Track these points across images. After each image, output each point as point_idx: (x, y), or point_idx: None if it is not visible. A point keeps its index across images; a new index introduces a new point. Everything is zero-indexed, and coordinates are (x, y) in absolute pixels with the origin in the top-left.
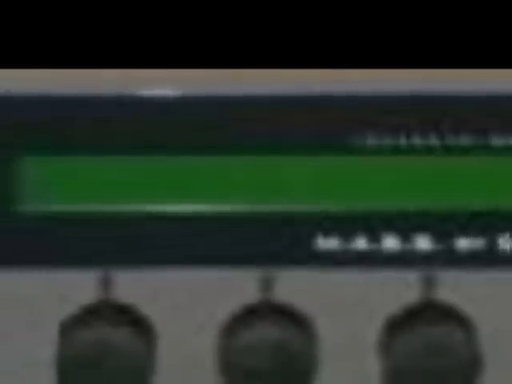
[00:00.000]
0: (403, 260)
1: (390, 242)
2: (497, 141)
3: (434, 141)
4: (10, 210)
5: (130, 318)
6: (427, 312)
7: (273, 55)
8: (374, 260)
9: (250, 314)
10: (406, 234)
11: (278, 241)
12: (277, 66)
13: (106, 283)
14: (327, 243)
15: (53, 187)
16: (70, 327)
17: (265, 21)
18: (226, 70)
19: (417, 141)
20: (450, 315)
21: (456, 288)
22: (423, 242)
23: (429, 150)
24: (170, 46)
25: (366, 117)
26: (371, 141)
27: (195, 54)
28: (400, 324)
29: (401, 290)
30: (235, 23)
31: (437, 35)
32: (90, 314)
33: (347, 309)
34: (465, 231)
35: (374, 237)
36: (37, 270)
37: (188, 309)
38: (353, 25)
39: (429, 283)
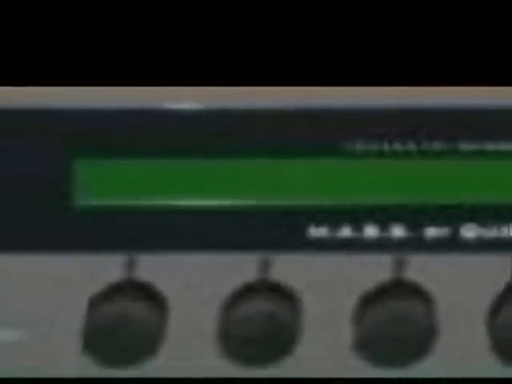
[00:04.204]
0: (380, 246)
1: (370, 231)
2: (464, 147)
3: (411, 146)
4: (64, 205)
5: (147, 294)
6: (396, 289)
7: (278, 75)
8: (355, 246)
9: (248, 291)
10: (383, 224)
11: (277, 229)
12: (281, 84)
13: (129, 265)
14: (318, 232)
15: (95, 185)
16: (96, 301)
17: (272, 47)
18: (238, 88)
19: (398, 146)
20: (415, 292)
21: (422, 269)
22: (398, 231)
23: (407, 154)
24: (191, 67)
25: (355, 126)
26: (360, 146)
27: (212, 74)
28: (372, 299)
29: (376, 270)
30: (246, 49)
31: (415, 59)
32: (115, 291)
33: (329, 286)
34: (433, 222)
35: (357, 226)
36: (75, 253)
37: (196, 286)
38: (345, 50)
39: (400, 265)
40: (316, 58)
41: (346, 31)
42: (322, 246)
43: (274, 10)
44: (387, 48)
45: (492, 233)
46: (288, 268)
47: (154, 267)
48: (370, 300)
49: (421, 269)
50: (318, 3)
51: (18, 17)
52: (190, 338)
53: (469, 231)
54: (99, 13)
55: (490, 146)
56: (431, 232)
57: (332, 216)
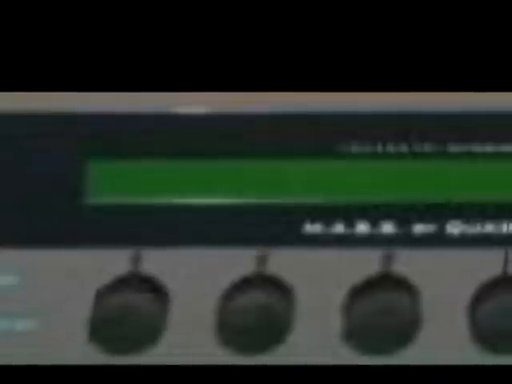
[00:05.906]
0: (371, 241)
1: (362, 227)
2: (453, 148)
3: (403, 148)
4: (76, 203)
5: (151, 286)
6: (384, 282)
7: (278, 81)
8: (348, 241)
9: (246, 284)
10: (374, 221)
11: (275, 226)
12: (281, 89)
13: (135, 259)
14: (313, 228)
15: (106, 185)
16: (103, 293)
17: (273, 57)
18: (241, 93)
19: (390, 148)
20: (401, 285)
21: (409, 263)
22: (387, 227)
23: (400, 156)
24: (197, 74)
25: (351, 129)
26: (355, 148)
27: (217, 80)
28: (361, 291)
29: (365, 264)
30: (249, 57)
31: (408, 66)
32: (121, 283)
33: (322, 279)
34: (421, 219)
35: (350, 223)
36: (85, 248)
37: (197, 279)
38: (341, 58)
39: (388, 259)
40: (314, 65)
41: (342, 40)
42: (316, 241)
43: (275, 21)
44: (382, 56)
45: (476, 229)
46: (284, 262)
47: (157, 261)
48: (358, 292)
49: (408, 263)
50: (316, 12)
51: (35, 24)
52: (191, 328)
53: (454, 228)
54: (112, 20)
55: (477, 148)
56: (419, 228)
57: (326, 213)
